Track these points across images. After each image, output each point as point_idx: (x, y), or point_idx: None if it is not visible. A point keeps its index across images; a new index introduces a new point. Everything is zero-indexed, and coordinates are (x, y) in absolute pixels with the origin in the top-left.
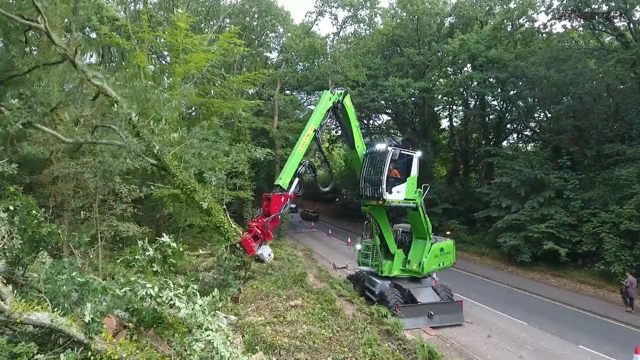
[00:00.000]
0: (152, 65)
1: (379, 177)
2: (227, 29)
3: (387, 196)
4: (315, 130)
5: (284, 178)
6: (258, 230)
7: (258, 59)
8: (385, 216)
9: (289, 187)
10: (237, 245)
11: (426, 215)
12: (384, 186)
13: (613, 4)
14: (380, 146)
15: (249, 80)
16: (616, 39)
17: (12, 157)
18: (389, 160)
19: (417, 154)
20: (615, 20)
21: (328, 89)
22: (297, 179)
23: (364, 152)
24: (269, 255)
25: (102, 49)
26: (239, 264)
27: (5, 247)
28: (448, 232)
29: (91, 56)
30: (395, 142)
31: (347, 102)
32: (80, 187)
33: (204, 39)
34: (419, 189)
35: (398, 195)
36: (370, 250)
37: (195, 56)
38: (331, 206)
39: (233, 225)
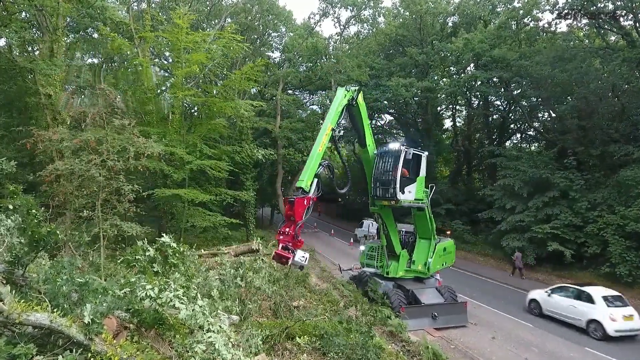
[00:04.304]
0: (154, 66)
1: (393, 177)
2: (229, 29)
3: (401, 196)
4: (332, 130)
5: (306, 180)
6: (287, 242)
7: (260, 58)
8: (392, 217)
9: (310, 189)
10: (277, 261)
11: (432, 216)
12: (398, 186)
13: (619, 2)
14: (392, 145)
15: (249, 77)
16: (622, 38)
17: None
18: (402, 160)
19: (425, 154)
20: (621, 19)
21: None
22: (316, 180)
23: (375, 152)
24: (303, 257)
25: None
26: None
27: (5, 246)
28: (448, 232)
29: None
30: (404, 142)
31: (360, 99)
32: (83, 186)
33: (205, 35)
34: (425, 189)
35: (409, 195)
36: (375, 251)
37: (197, 55)
38: (333, 206)
39: None
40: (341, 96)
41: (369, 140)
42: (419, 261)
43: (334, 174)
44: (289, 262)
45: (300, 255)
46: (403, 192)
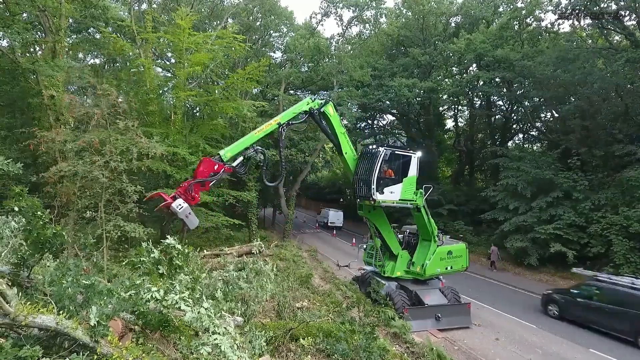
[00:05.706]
0: (156, 66)
1: (369, 177)
2: (231, 29)
3: (378, 196)
4: (279, 124)
5: (228, 151)
6: (179, 193)
7: (264, 57)
8: (384, 217)
9: (230, 161)
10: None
11: (430, 217)
12: (374, 186)
13: (622, 3)
14: (373, 146)
15: (252, 78)
16: (625, 38)
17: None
18: (380, 160)
19: (417, 155)
20: (625, 20)
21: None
22: (241, 158)
23: (360, 152)
24: (180, 205)
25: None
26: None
27: (10, 248)
28: (461, 235)
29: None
30: (388, 142)
31: (330, 111)
32: (87, 187)
33: (207, 37)
34: (420, 190)
35: (392, 195)
36: (374, 249)
37: (199, 56)
38: (334, 206)
39: None
40: (303, 103)
41: (345, 148)
42: (418, 262)
43: (267, 163)
44: (169, 208)
45: (178, 204)
46: (382, 192)
